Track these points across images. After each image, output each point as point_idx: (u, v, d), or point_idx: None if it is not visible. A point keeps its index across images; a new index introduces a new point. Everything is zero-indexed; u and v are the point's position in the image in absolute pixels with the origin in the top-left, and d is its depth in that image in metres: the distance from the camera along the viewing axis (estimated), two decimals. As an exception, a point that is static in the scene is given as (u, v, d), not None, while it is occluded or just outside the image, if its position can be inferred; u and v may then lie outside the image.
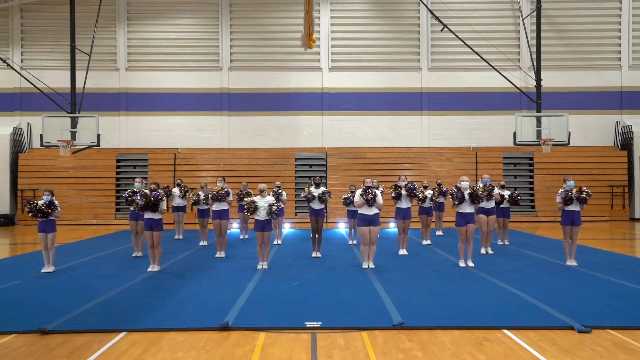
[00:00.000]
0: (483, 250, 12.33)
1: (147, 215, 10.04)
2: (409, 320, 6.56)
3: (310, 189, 12.06)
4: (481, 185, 12.00)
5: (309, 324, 6.50)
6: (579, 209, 10.49)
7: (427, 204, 13.98)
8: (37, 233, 10.13)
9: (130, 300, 7.80)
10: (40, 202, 9.99)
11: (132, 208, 11.54)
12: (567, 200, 10.40)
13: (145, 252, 11.93)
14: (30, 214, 9.93)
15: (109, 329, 6.34)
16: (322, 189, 11.97)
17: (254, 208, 9.98)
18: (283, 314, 6.98)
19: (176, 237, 15.63)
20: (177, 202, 15.33)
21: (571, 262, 10.56)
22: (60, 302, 7.68)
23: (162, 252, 10.59)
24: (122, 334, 6.22)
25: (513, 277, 9.33)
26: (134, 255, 12.03)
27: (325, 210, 12.04)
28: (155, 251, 10.14)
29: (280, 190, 14.27)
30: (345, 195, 13.57)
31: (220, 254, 11.99)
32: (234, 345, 5.88)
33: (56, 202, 10.13)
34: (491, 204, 12.00)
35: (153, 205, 9.89)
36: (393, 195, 12.08)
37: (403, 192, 12.04)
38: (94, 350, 5.69)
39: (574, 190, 10.42)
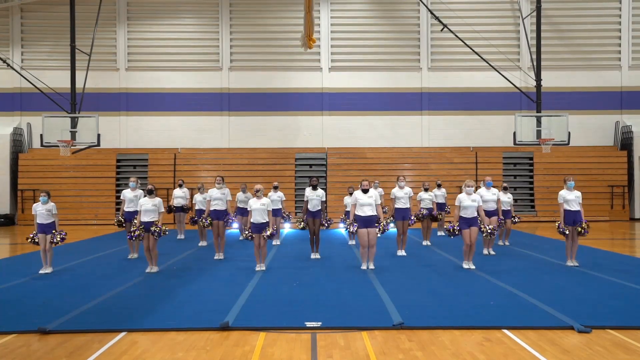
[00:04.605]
0: (485, 251, 12.30)
1: (144, 218, 9.96)
2: (409, 320, 6.55)
3: (307, 190, 11.96)
4: (484, 187, 11.99)
5: (309, 324, 6.50)
6: (580, 209, 10.41)
7: (427, 205, 14.03)
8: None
9: (130, 300, 7.80)
10: (38, 208, 10.02)
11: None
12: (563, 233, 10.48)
13: (141, 253, 11.84)
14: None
15: (109, 329, 6.34)
16: (319, 190, 11.76)
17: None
18: (283, 314, 6.98)
19: (178, 237, 15.65)
20: (178, 201, 15.39)
21: (572, 263, 10.57)
22: (60, 302, 7.69)
23: (159, 253, 10.42)
24: (122, 334, 6.22)
25: (513, 277, 9.33)
26: (129, 257, 11.87)
27: (324, 212, 11.94)
28: (152, 253, 10.03)
29: (275, 197, 14.04)
30: (342, 220, 14.84)
31: (219, 256, 11.86)
32: (234, 345, 5.88)
33: (52, 204, 10.08)
34: (492, 205, 11.96)
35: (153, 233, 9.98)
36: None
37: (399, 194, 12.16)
38: (94, 350, 5.69)
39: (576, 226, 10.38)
